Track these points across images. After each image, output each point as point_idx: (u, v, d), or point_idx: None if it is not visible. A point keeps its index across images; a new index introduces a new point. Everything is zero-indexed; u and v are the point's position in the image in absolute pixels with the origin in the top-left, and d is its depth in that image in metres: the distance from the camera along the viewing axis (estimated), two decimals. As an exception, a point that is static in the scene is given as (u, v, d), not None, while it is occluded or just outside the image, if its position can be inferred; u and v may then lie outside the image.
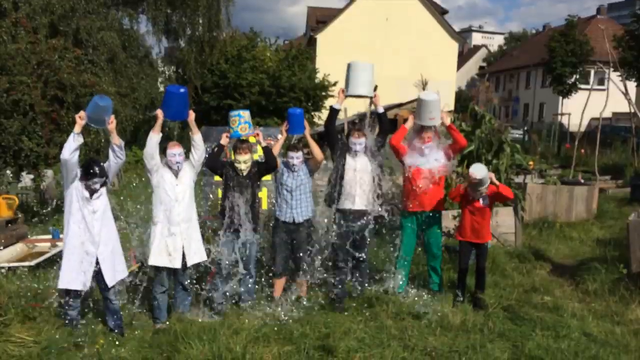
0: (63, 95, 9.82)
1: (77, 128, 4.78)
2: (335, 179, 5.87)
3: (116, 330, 4.96)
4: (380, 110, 6.03)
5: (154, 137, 5.10)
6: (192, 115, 5.32)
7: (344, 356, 4.46)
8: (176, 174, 5.20)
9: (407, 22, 31.02)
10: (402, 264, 6.05)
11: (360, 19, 30.88)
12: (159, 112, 5.10)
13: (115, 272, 4.96)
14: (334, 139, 5.98)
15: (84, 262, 4.78)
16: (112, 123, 4.92)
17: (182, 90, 5.20)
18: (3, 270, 5.90)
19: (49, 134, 9.39)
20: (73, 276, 4.76)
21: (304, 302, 5.68)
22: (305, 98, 21.80)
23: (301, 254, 5.74)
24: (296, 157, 5.62)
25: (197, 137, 5.33)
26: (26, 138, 9.04)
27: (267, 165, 5.65)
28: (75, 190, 4.78)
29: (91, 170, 4.76)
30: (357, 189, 5.78)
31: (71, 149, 4.71)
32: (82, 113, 4.87)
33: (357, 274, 6.00)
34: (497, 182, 5.65)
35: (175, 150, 5.15)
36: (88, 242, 4.78)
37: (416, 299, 5.82)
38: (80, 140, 4.78)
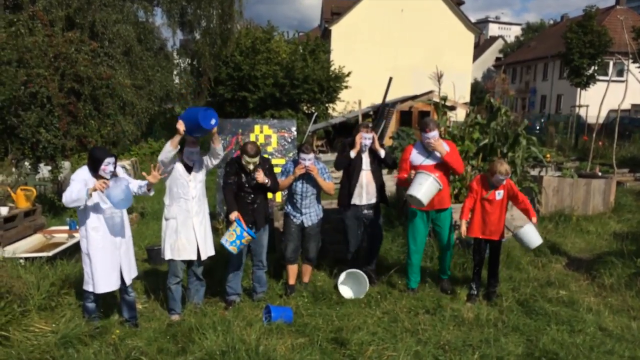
0: (80, 87, 9.91)
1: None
2: (346, 180, 6.11)
3: (131, 321, 5.03)
4: (382, 154, 6.08)
5: (171, 151, 4.97)
6: (215, 128, 5.08)
7: (356, 349, 4.47)
8: (190, 169, 5.21)
9: (423, 13, 30.77)
10: (414, 257, 6.05)
11: (375, 10, 30.70)
12: (180, 126, 4.91)
13: (131, 268, 5.04)
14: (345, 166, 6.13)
15: (115, 261, 4.84)
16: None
17: (213, 122, 4.91)
18: (21, 261, 5.99)
19: (66, 126, 9.50)
20: (109, 279, 4.81)
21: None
22: (319, 89, 21.77)
23: (310, 244, 5.95)
24: (308, 159, 5.64)
25: (218, 147, 5.24)
26: (44, 130, 9.15)
27: (270, 188, 5.63)
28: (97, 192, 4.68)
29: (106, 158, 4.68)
30: (366, 186, 6.04)
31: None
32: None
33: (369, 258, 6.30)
34: None
35: (193, 149, 5.18)
36: (115, 241, 4.84)
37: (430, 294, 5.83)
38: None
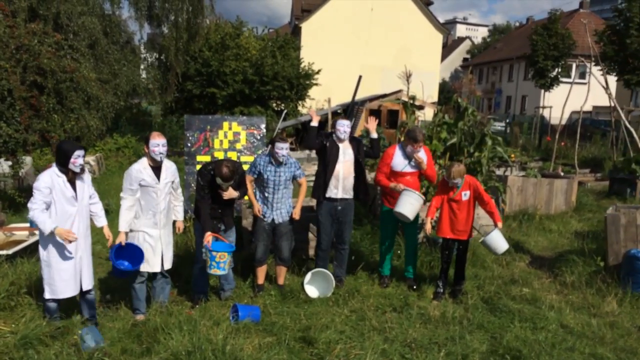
0: (43, 80, 9.63)
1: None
2: (322, 170, 5.99)
3: (92, 321, 4.93)
4: (374, 136, 6.15)
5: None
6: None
7: (324, 348, 4.47)
8: (158, 177, 5.07)
9: (392, 12, 31.01)
10: (385, 246, 6.24)
11: (345, 8, 30.79)
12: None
13: (90, 275, 4.92)
14: (318, 147, 6.05)
15: (76, 267, 4.73)
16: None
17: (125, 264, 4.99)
18: (-21, 259, 5.80)
19: (28, 120, 9.21)
20: (69, 285, 4.71)
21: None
22: (289, 86, 21.69)
23: (282, 243, 5.81)
24: (285, 148, 5.59)
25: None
26: (4, 124, 8.86)
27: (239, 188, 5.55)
28: (61, 192, 4.59)
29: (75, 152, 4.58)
30: (343, 180, 5.95)
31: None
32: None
33: (338, 260, 6.20)
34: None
35: (159, 141, 4.98)
36: (78, 246, 4.72)
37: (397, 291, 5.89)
38: None
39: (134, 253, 4.99)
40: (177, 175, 5.25)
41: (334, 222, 6.05)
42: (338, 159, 5.92)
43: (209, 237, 5.15)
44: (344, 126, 5.91)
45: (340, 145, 5.97)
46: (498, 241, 5.66)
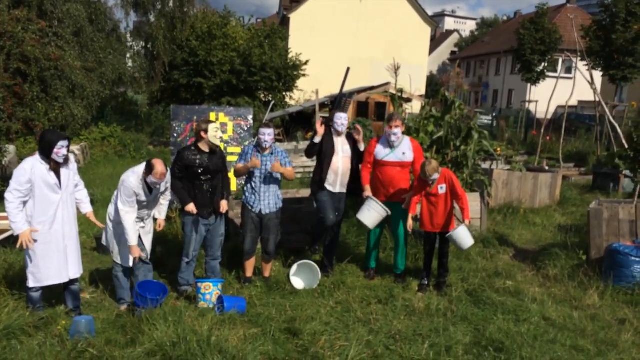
0: (26, 68, 9.51)
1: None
2: (318, 165, 6.03)
3: (76, 311, 4.90)
4: (362, 148, 6.11)
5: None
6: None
7: (309, 339, 4.49)
8: (150, 191, 5.02)
9: (381, 4, 30.95)
10: (371, 240, 6.26)
11: (334, -1, 30.67)
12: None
13: (78, 264, 4.91)
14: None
15: (60, 255, 4.70)
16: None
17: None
18: (-39, 249, 5.73)
19: (11, 108, 9.09)
20: (53, 272, 4.68)
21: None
22: (277, 77, 21.60)
23: (269, 236, 5.78)
24: (267, 134, 5.53)
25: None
26: (-13, 112, 8.75)
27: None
28: (44, 180, 4.55)
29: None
30: (342, 175, 5.97)
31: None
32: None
33: (330, 250, 6.26)
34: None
35: (163, 173, 4.88)
36: (64, 234, 4.71)
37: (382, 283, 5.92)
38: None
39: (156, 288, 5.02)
40: (168, 182, 5.19)
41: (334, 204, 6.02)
42: (335, 153, 5.90)
43: (192, 206, 5.27)
44: (341, 119, 5.89)
45: (338, 139, 5.95)
46: (464, 237, 5.68)
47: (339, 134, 5.96)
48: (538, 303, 5.58)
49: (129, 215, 4.85)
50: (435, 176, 5.62)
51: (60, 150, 4.51)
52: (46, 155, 4.51)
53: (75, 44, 13.28)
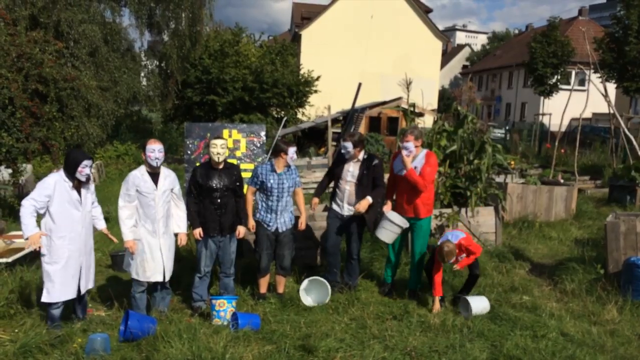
0: (44, 89, 9.67)
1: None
2: (333, 184, 6.21)
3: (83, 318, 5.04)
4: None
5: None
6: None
7: (324, 356, 4.46)
8: (156, 184, 5.10)
9: (392, 19, 31.14)
10: (390, 253, 6.25)
11: (345, 16, 30.93)
12: None
13: (89, 279, 5.04)
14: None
15: (76, 270, 4.84)
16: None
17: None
18: (-21, 267, 5.79)
19: (29, 128, 9.23)
20: (67, 288, 4.80)
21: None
22: (289, 94, 21.73)
23: (284, 252, 5.80)
24: (294, 152, 5.70)
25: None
26: (5, 133, 8.87)
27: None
28: (67, 196, 4.73)
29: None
30: (348, 196, 6.00)
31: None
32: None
33: (348, 270, 6.20)
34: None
35: (154, 146, 5.02)
36: (80, 250, 4.84)
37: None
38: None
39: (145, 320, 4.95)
40: (177, 183, 5.26)
41: (342, 226, 6.06)
42: (341, 177, 6.03)
43: (199, 231, 5.36)
44: (346, 148, 5.93)
45: (349, 163, 6.00)
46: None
47: (346, 160, 6.03)
48: (556, 318, 5.51)
49: (122, 210, 5.01)
50: (453, 259, 5.61)
51: (84, 169, 4.71)
52: (71, 173, 4.70)
53: (90, 64, 13.50)
